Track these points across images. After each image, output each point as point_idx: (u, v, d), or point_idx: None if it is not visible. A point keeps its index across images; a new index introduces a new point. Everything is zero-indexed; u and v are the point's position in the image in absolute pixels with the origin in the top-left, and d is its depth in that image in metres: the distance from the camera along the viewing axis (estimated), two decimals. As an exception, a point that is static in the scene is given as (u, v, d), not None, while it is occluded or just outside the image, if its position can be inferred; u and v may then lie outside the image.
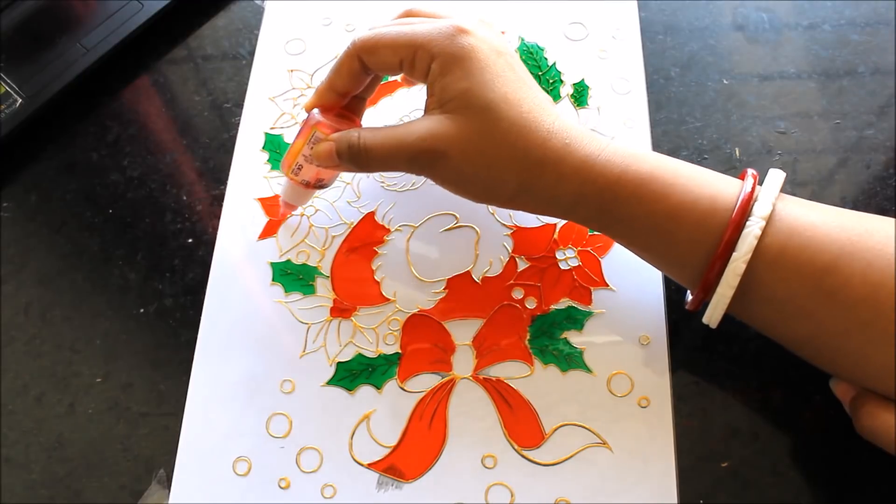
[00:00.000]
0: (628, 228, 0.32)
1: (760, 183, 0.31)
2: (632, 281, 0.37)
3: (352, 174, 0.41)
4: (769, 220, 0.29)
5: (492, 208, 0.39)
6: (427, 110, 0.33)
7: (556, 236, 0.38)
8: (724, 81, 0.42)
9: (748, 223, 0.29)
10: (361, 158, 0.33)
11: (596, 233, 0.38)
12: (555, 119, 0.31)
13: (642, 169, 0.30)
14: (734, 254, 0.29)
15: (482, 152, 0.31)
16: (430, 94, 0.33)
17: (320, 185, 0.36)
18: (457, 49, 0.31)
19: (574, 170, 0.31)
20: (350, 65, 0.34)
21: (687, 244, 0.30)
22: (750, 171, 0.31)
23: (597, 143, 0.31)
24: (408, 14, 0.35)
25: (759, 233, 0.28)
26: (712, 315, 0.31)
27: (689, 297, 0.33)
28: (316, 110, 0.35)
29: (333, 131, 0.34)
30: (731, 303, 0.30)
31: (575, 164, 0.31)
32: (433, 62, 0.32)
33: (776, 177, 0.30)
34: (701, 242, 0.30)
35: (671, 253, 0.31)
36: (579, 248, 0.38)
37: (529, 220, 0.39)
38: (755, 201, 0.29)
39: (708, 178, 0.31)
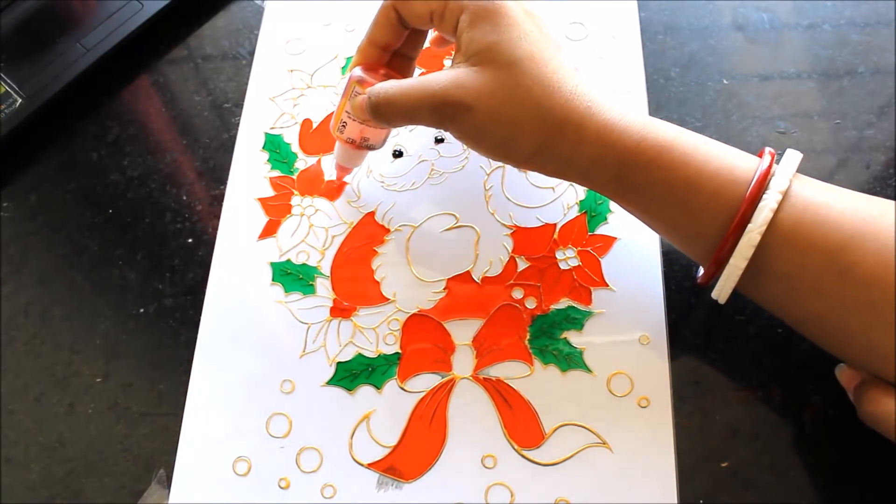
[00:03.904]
0: (644, 195, 0.32)
1: (777, 162, 0.31)
2: (632, 281, 0.37)
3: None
4: (785, 195, 0.29)
5: (491, 208, 0.39)
6: (453, 63, 0.33)
7: (556, 236, 0.38)
8: (724, 81, 0.42)
9: (765, 196, 0.29)
10: (382, 109, 0.33)
11: (596, 233, 0.38)
12: (579, 82, 0.32)
13: (662, 137, 0.31)
14: (749, 225, 0.29)
15: (505, 108, 0.31)
16: (457, 48, 0.33)
17: (367, 144, 0.36)
18: (487, 3, 0.32)
19: (595, 133, 0.31)
20: (387, 16, 0.34)
21: (702, 214, 0.30)
22: (768, 149, 0.31)
23: (619, 108, 0.31)
24: None
25: (776, 206, 0.28)
26: (722, 289, 0.31)
27: (700, 272, 0.32)
28: (358, 68, 0.35)
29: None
30: (742, 278, 0.30)
31: (597, 126, 0.31)
32: (463, 14, 0.32)
33: (793, 156, 0.31)
34: (717, 213, 0.30)
35: (686, 223, 0.31)
36: (579, 248, 0.38)
37: (530, 220, 0.39)
38: (772, 176, 0.29)
39: (726, 151, 0.31)
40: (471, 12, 0.32)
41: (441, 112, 0.32)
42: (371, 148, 0.37)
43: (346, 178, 0.40)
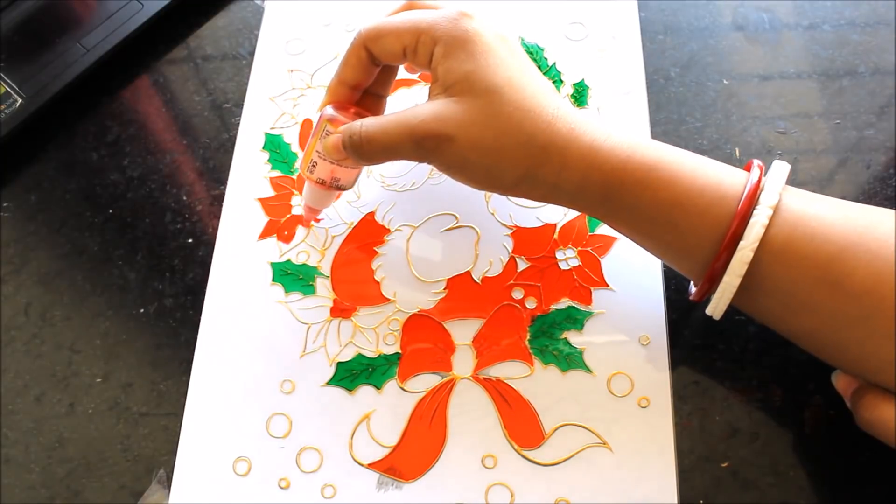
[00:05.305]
0: (632, 216, 0.31)
1: (765, 174, 0.30)
2: (632, 281, 0.37)
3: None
4: (775, 209, 0.29)
5: (491, 208, 0.39)
6: (431, 95, 0.33)
7: (556, 236, 0.38)
8: (724, 81, 0.42)
9: (755, 212, 0.29)
10: (364, 148, 0.32)
11: (596, 233, 0.38)
12: (558, 104, 0.31)
13: (648, 156, 0.30)
14: (741, 242, 0.28)
15: (487, 136, 0.31)
16: (433, 79, 0.33)
17: (337, 184, 0.36)
18: (460, 32, 0.31)
19: (580, 155, 0.31)
20: (357, 55, 0.34)
21: (692, 233, 0.30)
22: (756, 162, 0.31)
23: (601, 129, 0.31)
24: (409, 6, 0.35)
25: (767, 222, 0.28)
26: (716, 306, 0.31)
27: (693, 288, 0.32)
28: (329, 107, 0.35)
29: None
30: (735, 294, 0.30)
31: (581, 149, 0.31)
32: (436, 46, 0.32)
33: (781, 168, 0.30)
34: (707, 231, 0.30)
35: (676, 242, 0.31)
36: (579, 248, 0.38)
37: (530, 220, 0.39)
38: (762, 191, 0.29)
39: (713, 167, 0.31)
40: (444, 43, 0.31)
41: (423, 146, 0.32)
42: (341, 188, 0.36)
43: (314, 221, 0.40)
